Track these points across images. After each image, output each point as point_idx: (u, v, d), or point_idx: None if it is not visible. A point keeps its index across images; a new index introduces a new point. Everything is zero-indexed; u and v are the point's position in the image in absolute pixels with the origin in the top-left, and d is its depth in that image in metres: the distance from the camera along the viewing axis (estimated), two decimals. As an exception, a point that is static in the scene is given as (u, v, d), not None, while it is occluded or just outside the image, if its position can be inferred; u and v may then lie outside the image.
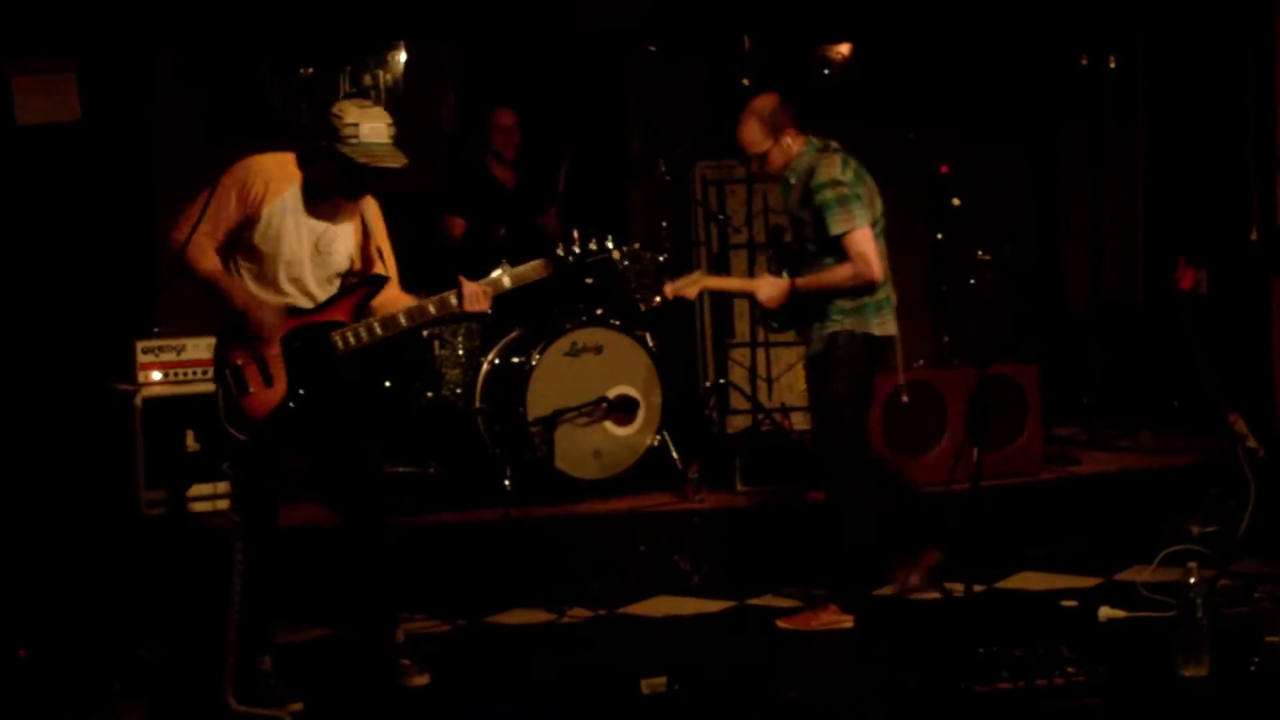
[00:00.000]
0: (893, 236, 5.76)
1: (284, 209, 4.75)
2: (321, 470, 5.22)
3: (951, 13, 8.37)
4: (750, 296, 5.90)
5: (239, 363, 4.73)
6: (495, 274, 5.06)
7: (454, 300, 4.94)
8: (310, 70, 8.15)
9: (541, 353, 6.86)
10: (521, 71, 8.35)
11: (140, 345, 6.54)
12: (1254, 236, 8.22)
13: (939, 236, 7.07)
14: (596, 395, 6.95)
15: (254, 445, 4.75)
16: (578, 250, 5.15)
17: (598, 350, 7.02)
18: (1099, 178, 9.47)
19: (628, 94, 8.81)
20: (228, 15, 7.49)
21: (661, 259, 7.33)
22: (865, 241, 5.47)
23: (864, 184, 5.57)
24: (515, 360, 6.99)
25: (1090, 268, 9.48)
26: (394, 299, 4.99)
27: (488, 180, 7.62)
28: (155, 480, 6.42)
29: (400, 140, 4.84)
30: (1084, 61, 9.12)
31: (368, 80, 8.44)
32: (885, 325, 5.65)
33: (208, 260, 4.68)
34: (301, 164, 4.80)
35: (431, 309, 4.93)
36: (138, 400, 6.46)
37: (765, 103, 5.66)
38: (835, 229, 5.46)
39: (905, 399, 6.14)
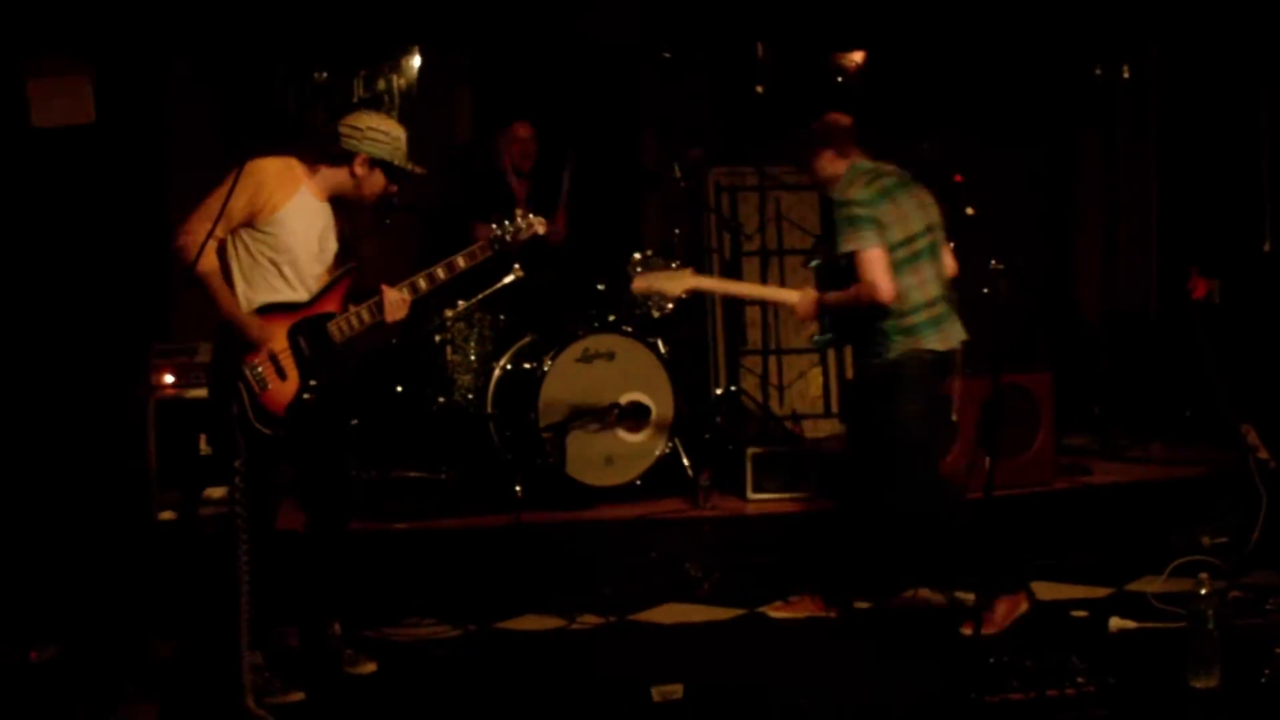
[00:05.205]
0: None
1: (296, 211, 4.94)
2: (300, 471, 5.32)
3: (965, 22, 8.37)
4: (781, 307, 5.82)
5: (256, 362, 4.89)
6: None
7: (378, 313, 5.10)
8: (324, 75, 8.17)
9: (554, 359, 6.86)
10: (535, 79, 8.36)
11: (154, 348, 6.56)
12: (1267, 247, 8.22)
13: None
14: (608, 401, 6.95)
15: (274, 441, 4.91)
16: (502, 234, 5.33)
17: (610, 356, 7.02)
18: (1113, 187, 9.46)
19: (643, 102, 8.81)
20: (243, 19, 7.50)
21: (674, 265, 7.33)
22: (872, 263, 5.38)
23: (891, 203, 5.49)
24: (527, 366, 6.99)
25: (1103, 277, 9.48)
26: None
27: (505, 190, 7.63)
28: (168, 482, 6.45)
29: (414, 147, 4.96)
30: (1098, 71, 9.11)
31: (381, 85, 8.45)
32: (946, 339, 5.60)
33: (207, 261, 4.82)
34: (308, 166, 5.00)
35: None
36: (151, 403, 6.48)
37: (822, 123, 5.65)
38: (842, 248, 5.45)
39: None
